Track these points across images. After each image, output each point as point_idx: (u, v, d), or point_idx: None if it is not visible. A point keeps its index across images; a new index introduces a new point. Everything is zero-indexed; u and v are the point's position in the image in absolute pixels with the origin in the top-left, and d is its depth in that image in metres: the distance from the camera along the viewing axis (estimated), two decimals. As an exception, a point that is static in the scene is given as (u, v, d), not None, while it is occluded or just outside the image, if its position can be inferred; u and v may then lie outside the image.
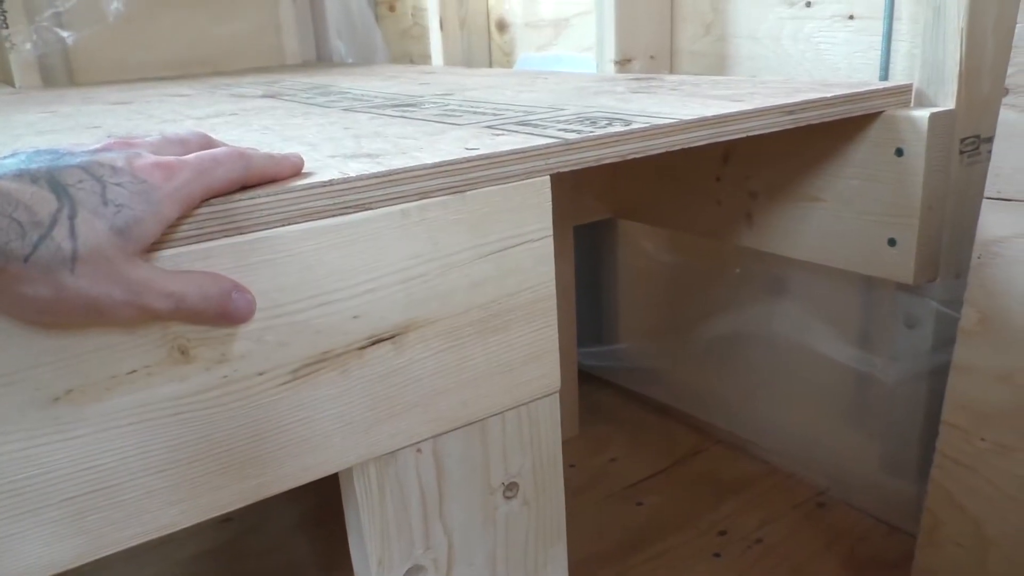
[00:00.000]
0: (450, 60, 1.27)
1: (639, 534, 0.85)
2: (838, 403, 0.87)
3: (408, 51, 1.45)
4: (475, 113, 0.65)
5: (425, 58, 1.34)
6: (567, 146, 0.50)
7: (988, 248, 0.59)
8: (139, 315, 0.34)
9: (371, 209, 0.43)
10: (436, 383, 0.48)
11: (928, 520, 0.65)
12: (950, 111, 0.66)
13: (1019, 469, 0.58)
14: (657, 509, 0.89)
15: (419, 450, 0.48)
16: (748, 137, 0.80)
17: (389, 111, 0.71)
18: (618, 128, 0.52)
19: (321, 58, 1.57)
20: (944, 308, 0.73)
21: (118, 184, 0.33)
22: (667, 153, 0.93)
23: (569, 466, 0.99)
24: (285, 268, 0.40)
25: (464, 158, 0.45)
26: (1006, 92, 0.57)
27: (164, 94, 1.02)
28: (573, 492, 0.94)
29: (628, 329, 1.16)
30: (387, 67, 1.33)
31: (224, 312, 0.37)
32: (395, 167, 0.43)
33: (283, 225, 0.40)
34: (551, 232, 0.50)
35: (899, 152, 0.67)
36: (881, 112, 0.67)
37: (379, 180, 0.43)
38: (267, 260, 0.40)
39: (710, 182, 0.86)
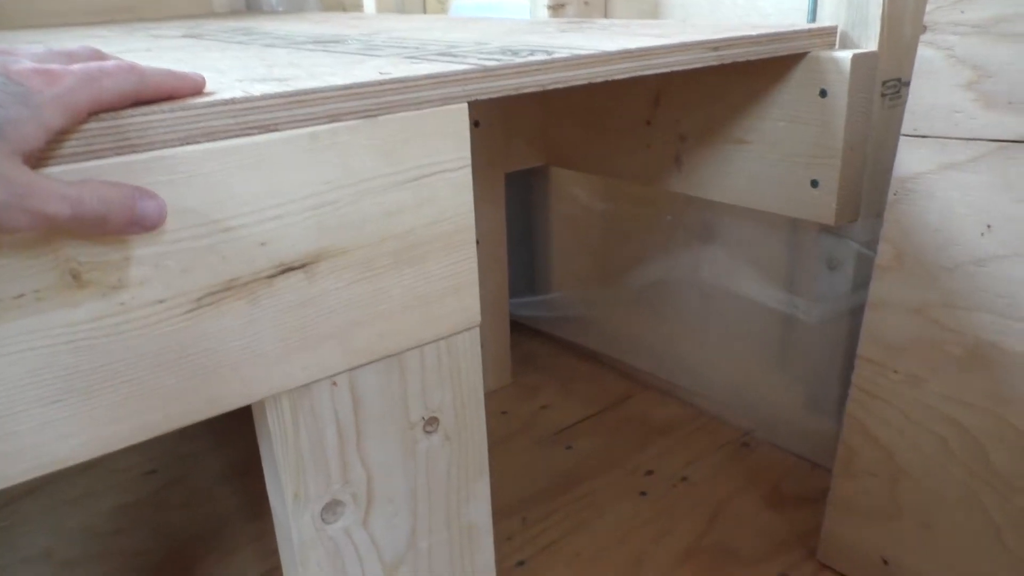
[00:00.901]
0: (383, 7, 1.24)
1: (568, 476, 0.86)
2: (764, 346, 0.89)
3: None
4: (398, 47, 0.63)
5: (358, 6, 1.31)
6: (486, 73, 0.48)
7: (904, 185, 0.59)
8: (30, 220, 0.32)
9: (277, 131, 0.41)
10: (351, 315, 0.47)
11: (843, 452, 0.67)
12: (872, 53, 0.66)
13: (929, 399, 0.60)
14: (586, 452, 0.90)
15: (335, 383, 0.48)
16: (677, 78, 0.79)
17: (310, 46, 0.69)
18: (540, 57, 0.51)
19: (251, 7, 1.52)
20: (864, 249, 0.75)
21: None
22: (598, 97, 0.93)
23: (501, 413, 0.99)
24: (185, 190, 0.39)
25: (376, 80, 0.44)
26: (924, 29, 0.58)
27: (80, 36, 0.97)
28: (504, 438, 0.94)
29: (561, 278, 1.16)
30: (318, 14, 1.30)
31: (131, 217, 0.35)
32: (300, 88, 0.42)
33: (182, 145, 0.38)
34: (469, 162, 0.49)
35: (823, 93, 0.67)
36: (806, 53, 0.68)
37: (285, 100, 0.41)
38: (165, 181, 0.38)
39: (640, 126, 0.86)
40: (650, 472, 0.86)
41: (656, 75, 0.58)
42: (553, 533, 0.77)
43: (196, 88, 0.40)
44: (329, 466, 0.49)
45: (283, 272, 0.43)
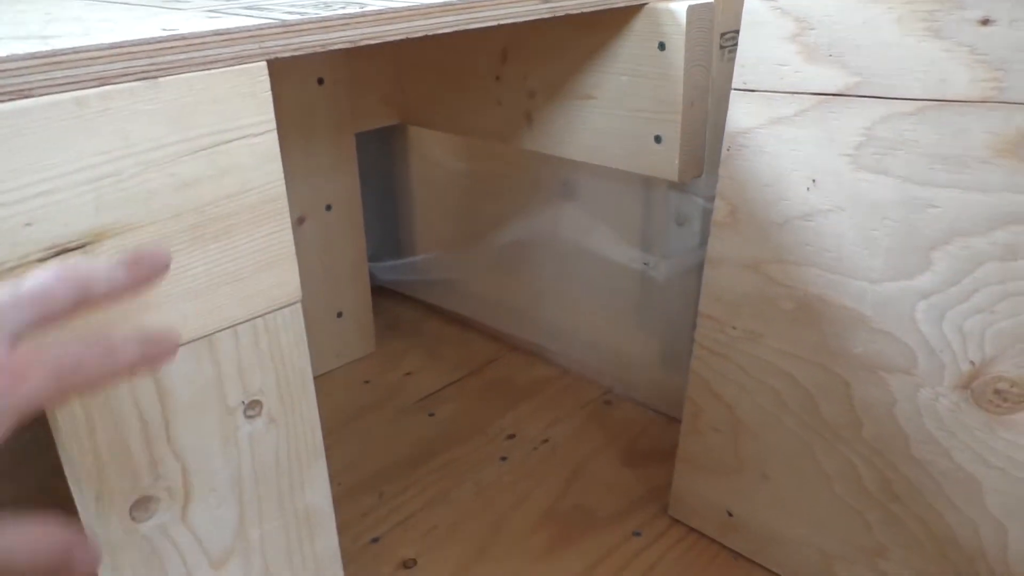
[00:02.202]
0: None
1: (429, 445, 0.84)
2: (622, 303, 0.89)
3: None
4: None
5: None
6: (285, 28, 0.45)
7: (735, 140, 0.59)
8: None
9: (33, 97, 0.37)
10: (147, 296, 0.42)
11: (689, 408, 0.67)
12: (709, 4, 0.65)
13: (764, 353, 0.61)
14: (449, 419, 0.89)
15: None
16: (522, 31, 0.77)
17: (115, -1, 0.63)
18: (349, 10, 0.48)
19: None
20: (709, 204, 0.75)
21: None
22: (448, 52, 0.89)
23: (363, 383, 0.96)
24: (-82, 167, 0.34)
25: (153, 38, 0.40)
26: (751, -20, 0.57)
27: None
28: (365, 409, 0.91)
29: (425, 241, 1.13)
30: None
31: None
32: (59, 47, 0.37)
33: (-90, 115, 0.34)
34: (274, 126, 0.45)
35: (661, 46, 0.66)
36: (644, 4, 0.66)
37: (39, 62, 0.36)
38: None
39: (491, 82, 0.83)
40: (512, 436, 0.85)
41: (502, 29, 0.55)
42: (411, 506, 0.75)
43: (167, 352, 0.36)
44: (135, 461, 0.45)
45: (57, 254, 0.39)
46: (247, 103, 0.44)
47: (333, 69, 0.90)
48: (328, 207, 0.94)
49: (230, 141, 0.44)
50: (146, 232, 0.42)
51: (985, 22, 0.47)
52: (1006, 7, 0.46)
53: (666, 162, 0.69)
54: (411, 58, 0.94)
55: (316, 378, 1.00)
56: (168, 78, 0.41)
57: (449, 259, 1.10)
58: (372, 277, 1.10)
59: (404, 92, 0.97)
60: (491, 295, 1.04)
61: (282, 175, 0.47)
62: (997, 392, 0.50)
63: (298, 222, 0.92)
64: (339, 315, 0.99)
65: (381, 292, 1.14)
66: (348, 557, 0.69)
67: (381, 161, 1.12)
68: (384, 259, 1.16)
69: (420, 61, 0.93)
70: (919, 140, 0.50)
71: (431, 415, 0.90)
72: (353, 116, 0.94)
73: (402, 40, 0.51)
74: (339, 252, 0.97)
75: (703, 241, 0.77)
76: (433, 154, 1.07)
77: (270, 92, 0.45)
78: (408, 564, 0.69)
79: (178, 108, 0.41)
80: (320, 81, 0.89)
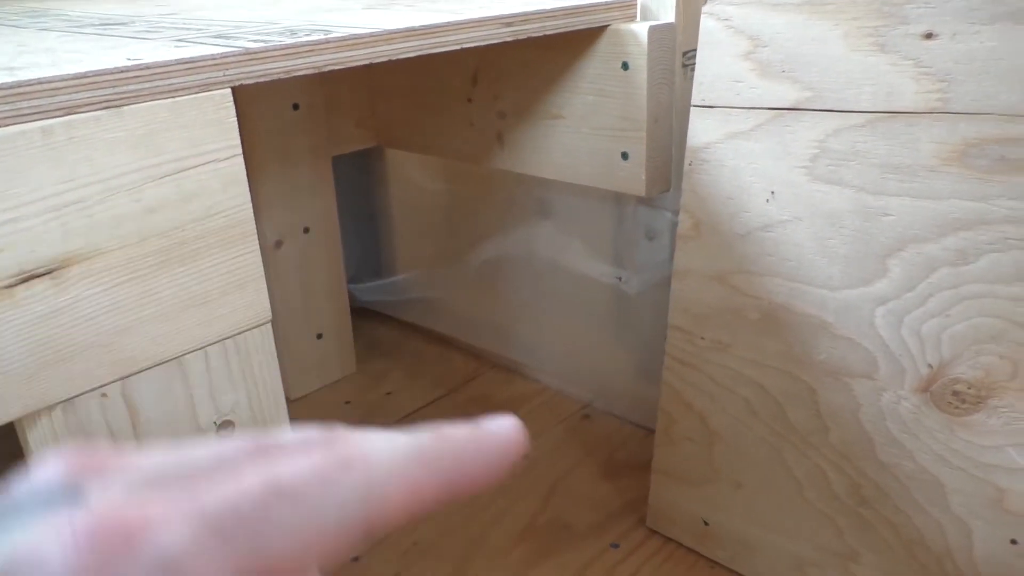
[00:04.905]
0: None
1: (409, 464, 0.84)
2: (597, 318, 0.90)
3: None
4: (181, 29, 0.59)
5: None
6: (249, 56, 0.46)
7: (697, 155, 0.61)
8: None
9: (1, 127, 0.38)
10: (115, 321, 0.43)
11: (663, 419, 0.68)
12: (670, 24, 0.67)
13: (733, 363, 0.62)
14: (429, 437, 0.89)
15: (104, 394, 0.44)
16: (491, 54, 0.78)
17: (88, 30, 0.64)
18: (313, 38, 0.49)
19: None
20: (677, 218, 0.76)
21: None
22: (421, 75, 0.91)
23: (344, 403, 0.97)
24: None
25: (116, 68, 0.41)
26: (705, 1, 0.59)
27: None
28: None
29: (405, 261, 1.14)
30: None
31: None
32: (25, 78, 0.38)
33: None
34: (239, 151, 0.46)
35: (625, 66, 0.68)
36: (607, 26, 0.68)
37: (5, 93, 0.38)
38: None
39: (462, 104, 0.85)
40: (491, 452, 0.86)
41: (472, 52, 0.56)
42: (391, 524, 0.76)
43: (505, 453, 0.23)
44: (108, 483, 0.46)
45: (26, 280, 0.40)
46: (212, 129, 0.45)
47: (308, 94, 0.91)
48: (306, 230, 0.95)
49: (196, 166, 0.45)
50: (113, 257, 0.42)
51: (928, 36, 0.49)
52: (948, 21, 0.48)
53: (633, 178, 0.70)
54: (385, 82, 0.95)
55: (296, 400, 1.01)
56: (133, 106, 0.42)
57: (428, 278, 1.11)
58: (353, 298, 1.11)
59: (379, 115, 0.98)
60: (470, 313, 1.05)
61: (249, 198, 0.48)
62: (955, 394, 0.51)
63: (276, 245, 0.93)
64: (319, 336, 1.00)
65: (362, 313, 1.15)
66: (328, 577, 0.69)
67: (361, 184, 1.13)
68: (365, 280, 1.17)
69: (394, 85, 0.94)
70: (871, 151, 0.52)
71: (412, 434, 0.90)
72: (329, 140, 0.95)
73: (369, 65, 0.52)
74: (318, 274, 0.98)
75: (672, 255, 0.78)
76: (411, 176, 1.08)
77: (235, 118, 0.46)
78: (389, 582, 0.69)
79: (143, 135, 0.42)
80: (295, 107, 0.90)
